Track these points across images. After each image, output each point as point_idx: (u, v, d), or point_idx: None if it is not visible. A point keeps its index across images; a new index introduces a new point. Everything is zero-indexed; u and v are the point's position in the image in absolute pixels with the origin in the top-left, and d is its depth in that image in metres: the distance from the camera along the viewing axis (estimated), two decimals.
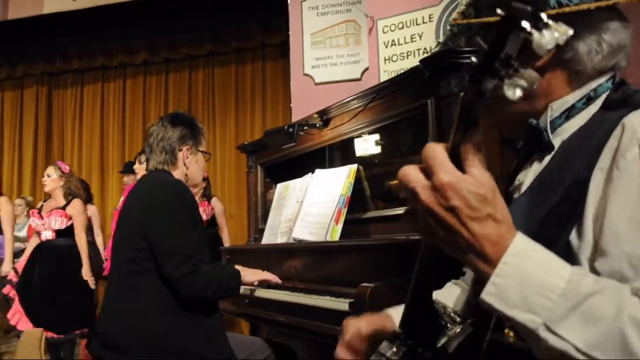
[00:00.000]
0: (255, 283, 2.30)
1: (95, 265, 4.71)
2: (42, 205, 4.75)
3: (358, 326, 1.09)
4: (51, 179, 4.58)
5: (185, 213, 2.09)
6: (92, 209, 5.97)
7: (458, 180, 0.68)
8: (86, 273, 4.47)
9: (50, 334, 4.26)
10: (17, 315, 4.36)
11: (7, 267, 4.71)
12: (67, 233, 4.49)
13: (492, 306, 0.71)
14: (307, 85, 4.39)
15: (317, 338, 2.01)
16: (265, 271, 2.34)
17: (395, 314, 1.16)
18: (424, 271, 0.84)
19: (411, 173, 0.72)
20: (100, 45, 7.35)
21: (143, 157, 4.22)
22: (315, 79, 4.37)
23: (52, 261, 4.42)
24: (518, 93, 0.63)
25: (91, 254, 4.80)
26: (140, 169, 4.27)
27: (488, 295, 0.71)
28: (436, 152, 0.70)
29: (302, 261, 2.29)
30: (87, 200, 6.46)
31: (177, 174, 2.26)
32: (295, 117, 3.92)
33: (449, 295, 1.22)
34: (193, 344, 1.99)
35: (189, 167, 2.29)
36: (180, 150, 2.26)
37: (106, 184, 7.49)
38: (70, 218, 4.48)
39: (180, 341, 1.98)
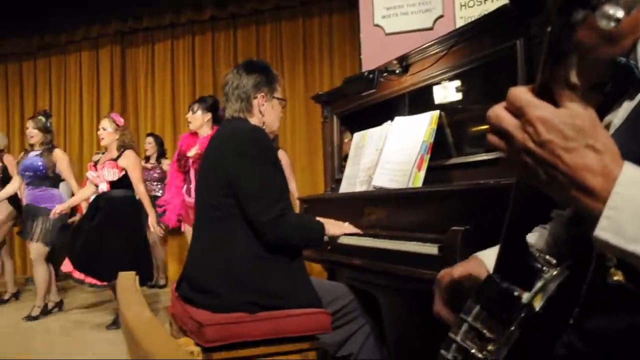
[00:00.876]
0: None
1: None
2: (99, 159, 4.88)
3: (449, 273, 1.10)
4: (107, 132, 4.63)
5: (266, 157, 2.09)
6: (167, 164, 6.18)
7: (550, 113, 0.66)
8: (152, 222, 4.55)
9: (93, 281, 4.40)
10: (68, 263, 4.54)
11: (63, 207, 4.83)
12: (121, 184, 4.56)
13: (608, 242, 0.65)
14: (377, 36, 4.29)
15: (404, 284, 2.00)
16: (347, 222, 2.31)
17: (486, 258, 1.16)
18: (517, 213, 0.83)
19: (502, 114, 0.70)
20: (169, 4, 7.44)
21: (196, 106, 4.32)
22: (385, 29, 4.26)
23: (107, 211, 4.52)
24: (612, 24, 0.58)
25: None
26: (192, 119, 4.32)
27: (602, 231, 0.65)
28: (521, 92, 0.68)
29: (383, 209, 2.26)
30: (161, 155, 6.69)
31: (254, 121, 2.24)
32: (366, 69, 3.87)
33: (539, 240, 1.20)
34: (280, 287, 2.02)
35: (265, 114, 2.27)
36: (255, 97, 2.23)
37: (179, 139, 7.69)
38: (122, 169, 4.53)
39: (267, 284, 2.01)
